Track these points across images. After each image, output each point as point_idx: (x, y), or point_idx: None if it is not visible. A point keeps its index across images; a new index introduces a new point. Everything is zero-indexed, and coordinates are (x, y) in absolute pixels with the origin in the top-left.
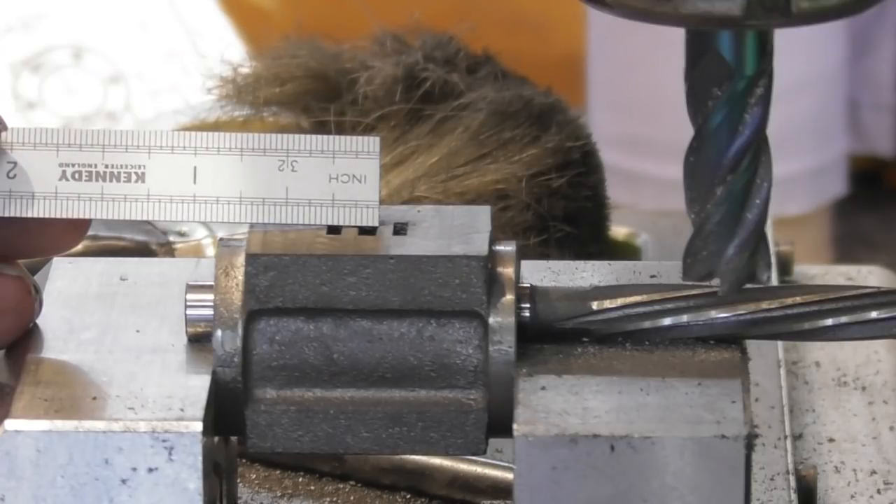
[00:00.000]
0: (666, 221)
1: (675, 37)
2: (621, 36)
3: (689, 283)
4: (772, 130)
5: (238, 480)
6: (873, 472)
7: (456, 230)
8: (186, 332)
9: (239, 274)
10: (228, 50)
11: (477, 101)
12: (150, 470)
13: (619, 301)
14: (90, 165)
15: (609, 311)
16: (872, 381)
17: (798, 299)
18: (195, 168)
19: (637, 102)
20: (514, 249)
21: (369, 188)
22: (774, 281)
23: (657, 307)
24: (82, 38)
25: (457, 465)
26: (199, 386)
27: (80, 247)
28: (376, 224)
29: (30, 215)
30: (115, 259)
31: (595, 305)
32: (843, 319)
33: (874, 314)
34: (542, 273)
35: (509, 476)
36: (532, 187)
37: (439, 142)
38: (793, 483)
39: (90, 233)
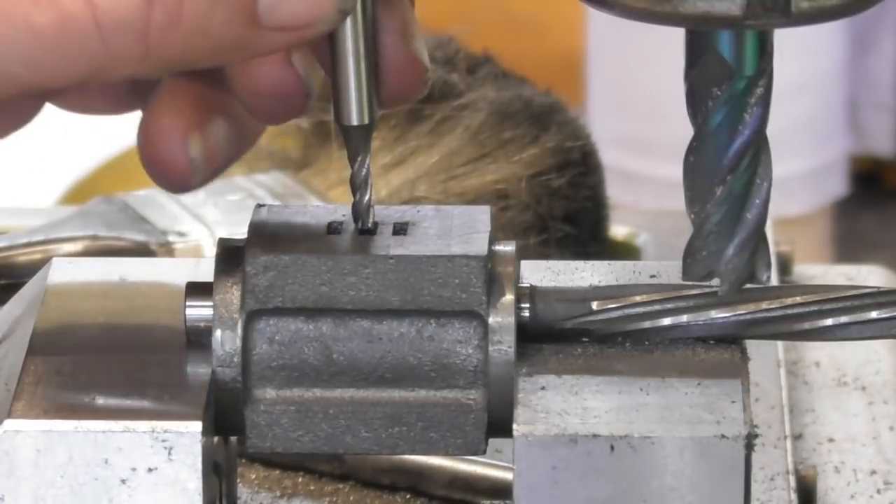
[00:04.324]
0: (666, 221)
1: (675, 37)
2: (621, 36)
3: (689, 283)
4: (772, 130)
5: (238, 480)
6: (873, 472)
7: (456, 230)
8: (186, 331)
9: (238, 274)
10: None
11: (477, 101)
12: (150, 470)
13: (619, 301)
14: None
15: (609, 311)
16: (872, 381)
17: (798, 299)
18: None
19: (637, 102)
20: (513, 249)
21: None
22: (774, 281)
23: (657, 307)
24: None
25: (457, 465)
26: (198, 386)
27: (79, 247)
28: None
29: None
30: (114, 259)
31: (595, 305)
32: (843, 319)
33: (874, 314)
34: (542, 273)
35: (509, 476)
36: (532, 187)
37: (439, 142)
38: (793, 483)
39: (90, 232)
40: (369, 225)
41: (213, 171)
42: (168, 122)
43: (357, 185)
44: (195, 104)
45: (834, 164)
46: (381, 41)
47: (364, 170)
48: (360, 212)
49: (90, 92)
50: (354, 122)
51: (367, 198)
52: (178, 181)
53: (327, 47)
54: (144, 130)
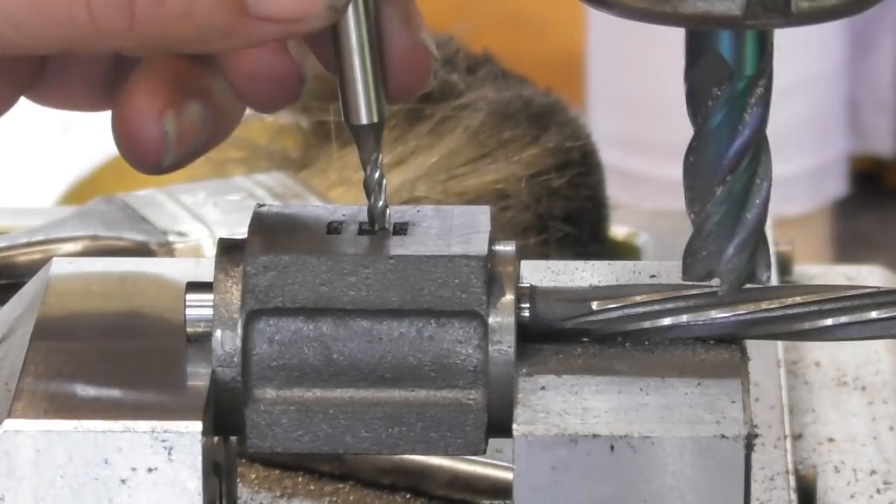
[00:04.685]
0: (666, 221)
1: (675, 37)
2: (621, 36)
3: (689, 283)
4: (772, 130)
5: (238, 480)
6: (873, 472)
7: (456, 230)
8: (186, 332)
9: (238, 274)
10: None
11: (477, 101)
12: (150, 470)
13: (619, 301)
14: None
15: (609, 311)
16: (872, 381)
17: (798, 299)
18: None
19: (637, 102)
20: (513, 249)
21: None
22: (774, 281)
23: (657, 307)
24: None
25: (457, 465)
26: (198, 386)
27: (79, 247)
28: None
29: None
30: (115, 259)
31: (595, 305)
32: (843, 319)
33: (874, 314)
34: (541, 273)
35: (509, 476)
36: (532, 187)
37: (439, 142)
38: (793, 483)
39: (90, 232)
40: (386, 226)
41: (185, 153)
42: (143, 101)
43: (371, 188)
44: (172, 85)
45: (834, 164)
46: (384, 32)
47: (377, 171)
48: (375, 214)
49: (69, 85)
50: (364, 120)
51: (381, 201)
52: (149, 159)
53: (332, 45)
54: (119, 107)
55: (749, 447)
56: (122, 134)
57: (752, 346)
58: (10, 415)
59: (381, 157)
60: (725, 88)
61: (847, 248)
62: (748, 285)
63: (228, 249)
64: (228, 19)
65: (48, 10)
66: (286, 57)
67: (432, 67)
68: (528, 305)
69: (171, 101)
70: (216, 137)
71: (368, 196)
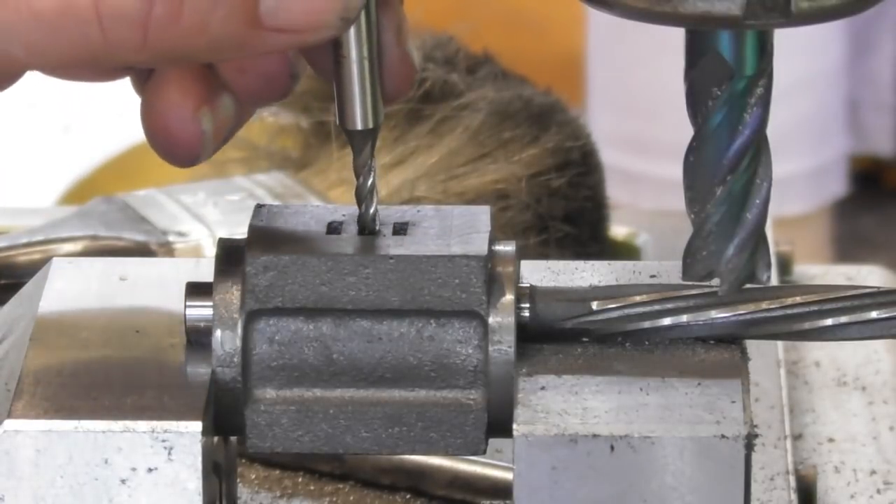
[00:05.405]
0: (666, 221)
1: (675, 37)
2: (621, 36)
3: (689, 283)
4: (772, 130)
5: (238, 480)
6: (873, 472)
7: (456, 230)
8: (186, 331)
9: (238, 274)
10: None
11: (477, 101)
12: (150, 470)
13: (619, 301)
14: None
15: (609, 311)
16: (872, 381)
17: (798, 299)
18: None
19: (637, 102)
20: (513, 249)
21: None
22: (774, 281)
23: (657, 307)
24: None
25: (457, 465)
26: (198, 386)
27: (79, 247)
28: None
29: None
30: (114, 259)
31: (595, 305)
32: (843, 319)
33: (874, 314)
34: (541, 273)
35: (509, 476)
36: (532, 187)
37: (439, 142)
38: (793, 483)
39: (90, 232)
40: (378, 229)
41: (219, 143)
42: (177, 97)
43: (363, 196)
44: (202, 79)
45: (834, 164)
46: (379, 41)
47: (370, 179)
48: (366, 222)
49: None
50: (360, 126)
51: (373, 208)
52: (187, 155)
53: (330, 51)
54: (151, 104)
55: (749, 447)
56: (156, 131)
57: (752, 346)
58: (10, 415)
59: (374, 162)
60: (725, 88)
61: (847, 248)
62: (748, 285)
63: (228, 249)
64: (242, 32)
65: (62, 31)
66: (279, 54)
67: (416, 77)
68: (528, 305)
69: (205, 98)
70: (240, 124)
71: (360, 203)
